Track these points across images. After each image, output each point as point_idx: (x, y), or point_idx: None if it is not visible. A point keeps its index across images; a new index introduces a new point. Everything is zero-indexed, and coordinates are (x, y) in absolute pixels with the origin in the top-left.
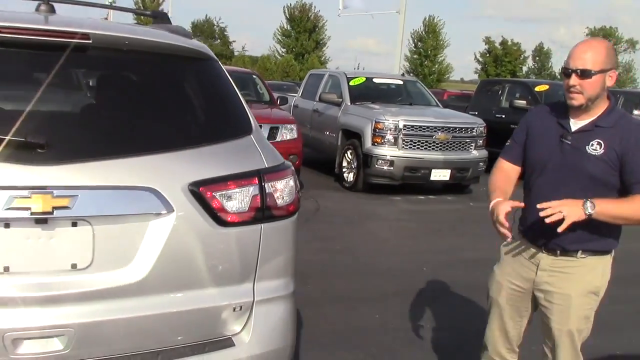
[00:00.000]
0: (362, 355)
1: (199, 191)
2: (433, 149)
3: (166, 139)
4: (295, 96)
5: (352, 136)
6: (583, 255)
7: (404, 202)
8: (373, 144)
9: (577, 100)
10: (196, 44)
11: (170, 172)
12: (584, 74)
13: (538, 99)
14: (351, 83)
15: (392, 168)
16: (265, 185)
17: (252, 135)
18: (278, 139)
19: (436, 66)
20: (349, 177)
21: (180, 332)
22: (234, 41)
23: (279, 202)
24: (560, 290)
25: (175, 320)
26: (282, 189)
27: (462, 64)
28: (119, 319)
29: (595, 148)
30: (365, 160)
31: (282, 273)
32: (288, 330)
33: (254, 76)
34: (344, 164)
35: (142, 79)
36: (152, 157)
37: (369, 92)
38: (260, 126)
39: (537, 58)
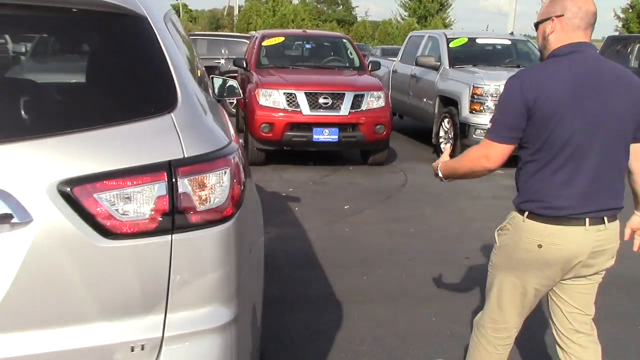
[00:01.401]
0: None
1: (72, 192)
2: None
3: (31, 122)
4: (395, 60)
5: (450, 103)
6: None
7: (504, 177)
8: (471, 112)
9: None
10: None
11: (29, 167)
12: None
13: None
14: (451, 44)
15: None
16: (179, 182)
17: (172, 114)
18: (363, 107)
19: None
20: (446, 148)
21: None
22: (357, 7)
23: (203, 204)
24: None
25: None
26: (212, 186)
27: (603, 20)
28: None
29: None
30: (462, 130)
31: (210, 298)
32: None
33: (344, 40)
34: (441, 133)
35: (11, 42)
36: (2, 148)
37: (472, 54)
38: (343, 94)
39: None
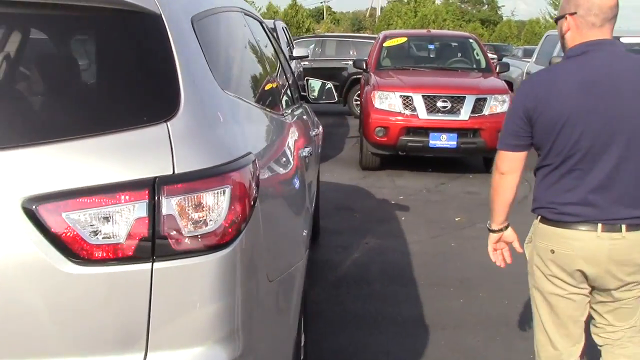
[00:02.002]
0: None
1: (37, 211)
2: None
3: None
4: (529, 62)
5: None
6: None
7: None
8: None
9: None
10: None
11: None
12: None
13: None
14: None
15: None
16: (164, 202)
17: (169, 123)
18: (485, 112)
19: None
20: None
21: None
22: (503, 6)
23: (194, 228)
24: None
25: None
26: (206, 207)
27: None
28: None
29: None
30: None
31: (203, 336)
32: None
33: (470, 40)
34: None
35: None
36: None
37: None
38: (464, 97)
39: None
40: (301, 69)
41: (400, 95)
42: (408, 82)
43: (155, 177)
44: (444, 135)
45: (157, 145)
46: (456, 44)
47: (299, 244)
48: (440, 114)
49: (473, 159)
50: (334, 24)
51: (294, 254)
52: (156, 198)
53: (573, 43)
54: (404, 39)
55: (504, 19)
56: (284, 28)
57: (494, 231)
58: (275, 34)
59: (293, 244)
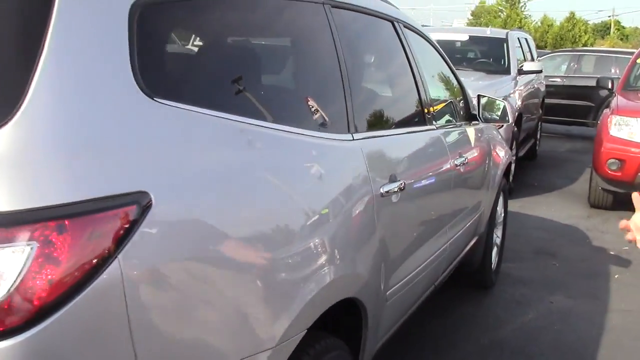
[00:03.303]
0: None
1: None
2: None
3: None
4: None
5: None
6: None
7: None
8: None
9: None
10: None
11: None
12: None
13: None
14: None
15: None
16: None
17: None
18: None
19: None
20: None
21: None
22: None
23: None
24: None
25: None
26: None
27: None
28: None
29: None
30: None
31: None
32: None
33: None
34: None
35: None
36: None
37: None
38: None
39: None
40: (538, 86)
41: None
42: None
43: None
44: None
45: None
46: None
47: (260, 326)
48: None
49: None
50: (621, 39)
51: (237, 342)
52: None
53: None
54: None
55: None
56: (524, 39)
57: None
58: (505, 45)
59: (238, 326)
